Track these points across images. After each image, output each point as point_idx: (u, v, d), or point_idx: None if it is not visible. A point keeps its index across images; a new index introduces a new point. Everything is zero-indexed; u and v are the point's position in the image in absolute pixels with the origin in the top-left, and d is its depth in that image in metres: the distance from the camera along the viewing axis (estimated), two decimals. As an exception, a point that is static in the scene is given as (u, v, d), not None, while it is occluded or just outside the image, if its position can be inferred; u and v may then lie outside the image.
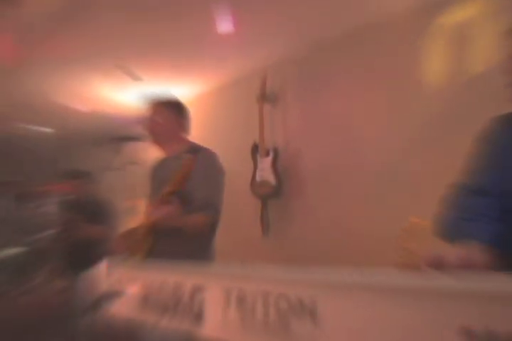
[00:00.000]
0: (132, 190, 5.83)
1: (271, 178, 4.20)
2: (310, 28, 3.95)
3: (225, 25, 3.82)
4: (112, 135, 2.46)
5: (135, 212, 4.59)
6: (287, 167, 4.26)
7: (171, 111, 2.64)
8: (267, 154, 4.29)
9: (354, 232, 3.71)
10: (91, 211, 4.15)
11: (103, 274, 1.85)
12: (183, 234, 2.30)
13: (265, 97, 4.41)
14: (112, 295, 1.71)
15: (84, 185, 4.28)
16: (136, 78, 4.76)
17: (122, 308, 1.70)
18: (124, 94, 5.53)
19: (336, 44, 4.02)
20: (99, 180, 4.35)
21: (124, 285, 1.72)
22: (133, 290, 1.66)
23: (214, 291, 1.35)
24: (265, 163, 4.27)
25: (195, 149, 2.54)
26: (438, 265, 1.12)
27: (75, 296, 4.06)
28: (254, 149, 4.40)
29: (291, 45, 4.26)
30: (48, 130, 6.72)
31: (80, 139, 7.19)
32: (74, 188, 4.33)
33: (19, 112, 6.06)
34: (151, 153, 2.73)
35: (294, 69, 4.42)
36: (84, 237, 4.05)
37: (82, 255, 4.01)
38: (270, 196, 4.28)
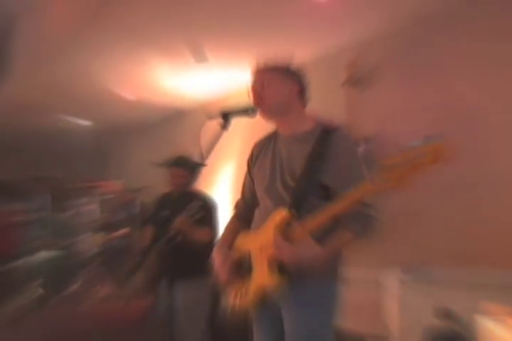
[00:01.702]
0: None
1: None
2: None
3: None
4: (223, 108, 1.85)
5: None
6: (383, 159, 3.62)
7: (290, 78, 2.05)
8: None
9: (469, 231, 3.16)
10: (197, 209, 3.48)
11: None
12: None
13: (355, 79, 3.78)
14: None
15: (184, 177, 3.55)
16: (201, 59, 4.17)
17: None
18: (179, 80, 4.97)
19: (445, 14, 3.43)
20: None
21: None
22: None
23: None
24: (355, 155, 3.65)
25: (326, 128, 1.95)
26: None
27: (173, 308, 3.47)
28: (341, 139, 3.77)
29: (387, 17, 3.64)
30: (89, 123, 6.20)
31: (123, 130, 6.68)
32: (180, 179, 3.58)
33: (61, 102, 5.53)
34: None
35: (390, 46, 3.82)
36: (190, 241, 3.38)
37: (181, 261, 3.35)
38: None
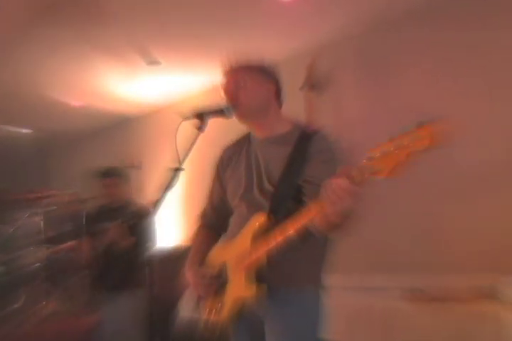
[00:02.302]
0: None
1: (323, 176, 3.54)
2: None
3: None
4: (197, 109, 1.80)
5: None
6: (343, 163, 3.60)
7: (266, 77, 1.96)
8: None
9: (430, 235, 3.20)
10: (129, 216, 3.46)
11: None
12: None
13: (313, 83, 3.74)
14: None
15: (119, 186, 3.65)
16: (151, 61, 4.02)
17: None
18: (129, 85, 4.78)
19: (407, 17, 3.45)
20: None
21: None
22: None
23: None
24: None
25: (305, 131, 1.86)
26: None
27: (116, 319, 3.44)
28: (300, 143, 3.72)
29: (346, 21, 3.63)
30: (29, 131, 5.88)
31: (68, 138, 6.38)
32: (113, 189, 3.65)
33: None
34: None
35: (348, 49, 3.82)
36: (123, 250, 3.38)
37: (116, 272, 3.40)
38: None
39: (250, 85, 1.91)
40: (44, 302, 5.32)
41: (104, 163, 4.01)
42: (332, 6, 3.44)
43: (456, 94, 3.23)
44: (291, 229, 1.57)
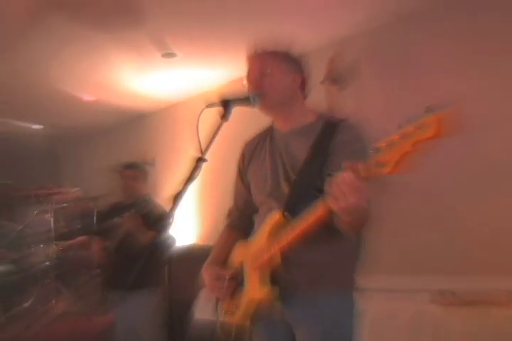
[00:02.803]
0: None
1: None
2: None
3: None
4: (223, 95, 1.72)
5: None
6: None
7: (293, 66, 1.86)
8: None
9: (462, 234, 3.07)
10: (145, 215, 3.40)
11: None
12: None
13: (335, 76, 3.64)
14: None
15: (138, 180, 3.64)
16: (166, 53, 3.93)
17: None
18: (142, 80, 4.67)
19: (428, 11, 3.40)
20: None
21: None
22: None
23: None
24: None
25: (330, 120, 1.75)
26: None
27: (129, 319, 3.39)
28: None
29: (369, 13, 3.53)
30: (40, 126, 5.81)
31: (80, 134, 6.30)
32: (132, 182, 3.63)
33: (8, 103, 5.13)
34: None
35: (372, 42, 3.71)
36: (141, 243, 3.29)
37: (133, 270, 3.24)
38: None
39: (276, 73, 1.81)
40: (54, 302, 5.25)
41: (117, 161, 3.94)
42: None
43: (481, 86, 3.13)
44: (301, 228, 1.48)
